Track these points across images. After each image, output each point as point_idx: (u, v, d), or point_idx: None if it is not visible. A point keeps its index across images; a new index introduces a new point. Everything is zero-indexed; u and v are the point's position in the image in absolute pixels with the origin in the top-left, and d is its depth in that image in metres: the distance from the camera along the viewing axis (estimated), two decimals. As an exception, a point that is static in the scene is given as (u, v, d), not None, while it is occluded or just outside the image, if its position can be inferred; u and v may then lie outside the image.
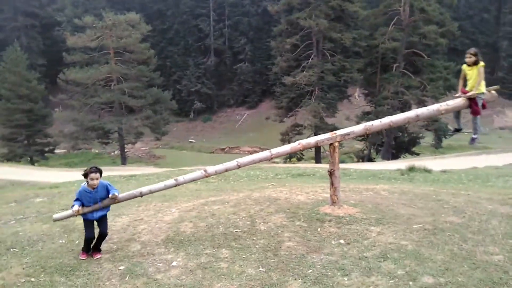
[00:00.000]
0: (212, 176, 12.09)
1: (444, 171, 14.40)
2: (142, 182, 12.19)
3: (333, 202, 6.00)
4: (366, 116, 34.24)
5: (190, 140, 56.81)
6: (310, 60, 32.35)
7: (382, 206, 6.22)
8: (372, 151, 36.44)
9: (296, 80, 31.13)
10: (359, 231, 5.22)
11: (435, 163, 20.64)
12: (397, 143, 35.37)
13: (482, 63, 5.90)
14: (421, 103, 32.93)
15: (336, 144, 5.83)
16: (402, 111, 33.71)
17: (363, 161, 34.38)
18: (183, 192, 8.76)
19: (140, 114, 34.44)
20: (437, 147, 35.37)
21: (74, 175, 17.27)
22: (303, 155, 36.16)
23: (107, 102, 33.68)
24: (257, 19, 58.37)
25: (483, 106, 6.06)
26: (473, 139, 6.46)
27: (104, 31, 33.20)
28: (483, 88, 5.96)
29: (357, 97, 47.09)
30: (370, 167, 19.97)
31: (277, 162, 36.03)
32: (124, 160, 35.76)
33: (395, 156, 34.11)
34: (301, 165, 23.13)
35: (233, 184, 10.38)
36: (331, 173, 5.86)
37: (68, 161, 39.91)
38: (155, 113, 35.35)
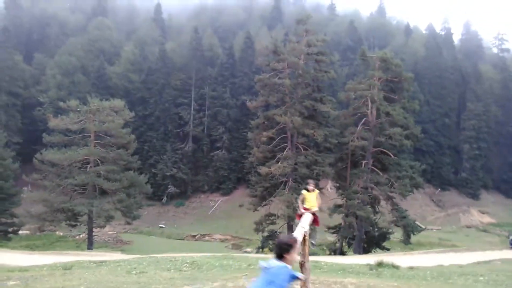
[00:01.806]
0: (185, 264, 12.26)
1: (411, 268, 14.89)
2: (113, 268, 12.12)
3: (303, 293, 6.40)
4: (337, 208, 35.17)
5: (160, 225, 55.60)
6: (284, 152, 33.96)
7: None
8: (344, 244, 36.68)
9: (271, 170, 32.31)
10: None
11: (403, 259, 21.09)
12: (368, 237, 35.91)
13: (317, 190, 8.50)
14: (389, 199, 34.39)
15: (306, 237, 6.43)
16: (372, 205, 35.19)
17: (335, 254, 34.42)
18: (157, 280, 8.90)
19: (113, 197, 34.20)
20: (406, 243, 36.01)
21: (40, 259, 16.75)
22: (275, 245, 35.96)
23: (81, 184, 33.51)
24: (236, 111, 61.57)
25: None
26: (312, 244, 8.12)
27: (87, 115, 34.28)
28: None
29: (329, 189, 48.50)
30: (341, 260, 20.21)
31: (249, 252, 35.63)
32: (90, 244, 34.55)
33: (366, 250, 34.38)
34: (273, 256, 23.09)
35: (207, 273, 10.54)
36: (301, 265, 6.36)
37: (30, 243, 38.10)
38: (129, 196, 35.19)
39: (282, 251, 4.00)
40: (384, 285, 8.23)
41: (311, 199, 8.37)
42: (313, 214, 7.89)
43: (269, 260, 3.91)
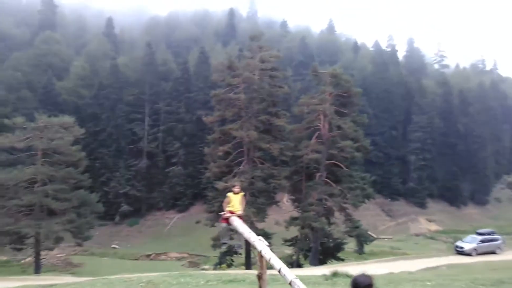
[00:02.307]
0: (141, 284, 12.04)
1: (363, 276, 15.45)
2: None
3: (260, 305, 6.58)
4: (294, 221, 35.72)
5: (113, 245, 53.62)
6: (241, 166, 34.20)
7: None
8: (300, 256, 37.21)
9: (228, 185, 32.30)
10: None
11: (357, 268, 21.79)
12: (323, 249, 36.70)
13: (242, 193, 8.78)
14: (343, 210, 35.44)
15: (262, 251, 6.63)
16: (326, 217, 36.10)
17: (292, 266, 34.77)
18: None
19: (63, 217, 32.64)
20: (360, 253, 37.15)
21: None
22: (233, 261, 35.86)
23: (28, 205, 31.76)
24: (192, 126, 61.15)
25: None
26: (238, 246, 9.77)
27: (34, 133, 32.75)
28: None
29: (285, 202, 49.16)
30: (298, 272, 20.53)
31: (207, 269, 35.18)
32: (38, 268, 32.65)
33: (322, 262, 35.06)
34: (232, 271, 23.08)
35: (164, 292, 10.43)
36: (259, 277, 6.55)
37: (-31, 270, 35.42)
38: (79, 216, 33.80)
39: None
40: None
41: (236, 201, 8.49)
42: (239, 217, 8.21)
43: None
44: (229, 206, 8.42)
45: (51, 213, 33.65)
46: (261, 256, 6.61)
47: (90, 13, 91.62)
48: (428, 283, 13.82)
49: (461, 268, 21.84)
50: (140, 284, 11.81)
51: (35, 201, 31.43)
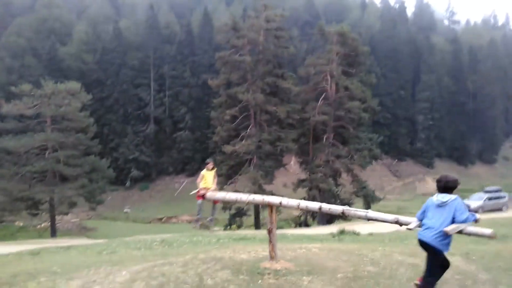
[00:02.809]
0: (155, 243, 12.47)
1: (370, 234, 15.83)
2: (83, 251, 12.14)
3: (271, 258, 6.85)
4: (301, 183, 36.19)
5: (125, 210, 54.95)
6: (248, 130, 34.29)
7: (312, 260, 7.18)
8: (308, 217, 37.96)
9: (235, 148, 32.61)
10: (294, 281, 6.08)
11: (364, 227, 22.14)
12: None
13: (215, 168, 8.87)
14: (350, 171, 35.71)
15: (273, 206, 6.83)
16: (334, 178, 36.47)
17: (300, 226, 35.60)
18: (129, 257, 9.09)
19: (75, 183, 33.41)
20: (367, 211, 37.71)
21: (2, 249, 16.33)
22: (243, 222, 36.77)
23: (40, 171, 32.46)
24: (198, 90, 60.80)
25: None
26: (210, 220, 9.48)
27: (42, 99, 32.92)
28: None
29: (293, 165, 49.59)
30: (306, 231, 21.09)
31: (216, 230, 36.13)
32: (54, 232, 33.78)
33: (329, 222, 35.75)
34: (241, 231, 23.75)
35: (178, 249, 10.82)
36: (269, 231, 6.78)
37: (-16, 236, 36.70)
38: (91, 182, 34.54)
39: (451, 187, 5.05)
40: (345, 247, 8.86)
41: (209, 178, 8.62)
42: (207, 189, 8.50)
43: (438, 195, 5.06)
44: (203, 183, 8.53)
45: (64, 179, 34.44)
46: (271, 211, 6.82)
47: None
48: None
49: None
50: (154, 243, 12.23)
51: (47, 168, 32.10)
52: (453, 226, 4.78)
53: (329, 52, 36.22)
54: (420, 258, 7.48)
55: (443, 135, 72.77)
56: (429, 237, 4.87)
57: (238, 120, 34.29)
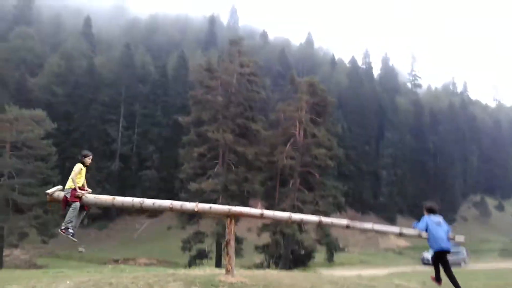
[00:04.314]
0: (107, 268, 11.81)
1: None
2: (27, 273, 11.30)
3: (227, 271, 6.62)
4: (266, 227, 35.71)
5: (80, 249, 51.95)
6: (215, 169, 34.09)
7: (269, 278, 6.99)
8: (271, 263, 37.14)
9: (201, 187, 32.16)
10: (248, 292, 5.87)
11: (326, 272, 22.11)
12: (294, 256, 36.77)
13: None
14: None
15: (232, 217, 6.71)
16: (298, 224, 36.24)
17: (261, 272, 34.66)
18: (77, 275, 8.54)
19: (29, 213, 31.60)
20: (330, 261, 37.42)
21: None
22: (203, 264, 35.48)
23: (-8, 199, 30.62)
24: (168, 130, 60.46)
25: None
26: (73, 233, 7.00)
27: (3, 124, 31.74)
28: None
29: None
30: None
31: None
32: (0, 265, 31.32)
33: (292, 268, 35.11)
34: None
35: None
36: (227, 243, 6.60)
37: None
38: (46, 213, 32.75)
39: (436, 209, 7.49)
40: (304, 274, 8.70)
41: (83, 175, 7.09)
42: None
43: (435, 217, 7.28)
44: (78, 180, 6.89)
45: (17, 209, 32.53)
46: (230, 223, 6.68)
47: (67, 11, 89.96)
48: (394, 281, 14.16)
49: (424, 275, 22.34)
50: (106, 268, 11.59)
51: (0, 195, 30.31)
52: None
53: (299, 100, 37.36)
54: (378, 282, 7.44)
55: (405, 192, 74.69)
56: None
57: (205, 158, 34.12)
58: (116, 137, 61.21)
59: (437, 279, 7.33)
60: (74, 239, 6.83)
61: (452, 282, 6.96)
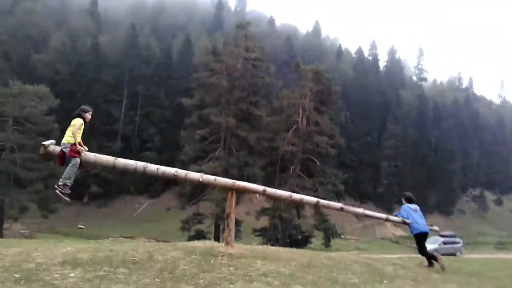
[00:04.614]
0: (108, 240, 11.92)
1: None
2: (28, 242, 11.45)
3: (227, 243, 6.69)
4: (265, 211, 35.96)
5: (79, 225, 52.47)
6: (216, 152, 34.16)
7: (268, 251, 7.07)
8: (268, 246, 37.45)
9: (201, 169, 32.18)
10: (247, 262, 5.94)
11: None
12: (291, 241, 37.05)
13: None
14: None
15: (234, 191, 6.76)
16: (297, 209, 36.48)
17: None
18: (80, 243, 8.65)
19: (29, 188, 31.82)
20: (326, 246, 37.71)
21: None
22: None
23: (-6, 172, 30.82)
24: (170, 112, 60.45)
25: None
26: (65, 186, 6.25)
27: (7, 99, 31.76)
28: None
29: (258, 197, 49.37)
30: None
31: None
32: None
33: (288, 253, 35.46)
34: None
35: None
36: (227, 216, 6.66)
37: None
38: (47, 188, 32.94)
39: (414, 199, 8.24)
40: (301, 250, 8.79)
41: (81, 131, 6.57)
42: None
43: (412, 206, 8.01)
44: (79, 136, 6.43)
45: (18, 183, 32.74)
46: (231, 196, 6.73)
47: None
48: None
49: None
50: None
51: (1, 168, 30.50)
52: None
53: (303, 87, 37.22)
54: (375, 260, 7.53)
55: (405, 183, 74.69)
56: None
57: (207, 141, 34.16)
58: (119, 118, 61.25)
59: (430, 263, 8.03)
60: (67, 198, 6.22)
61: (426, 255, 8.11)
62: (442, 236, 32.94)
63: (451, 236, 33.06)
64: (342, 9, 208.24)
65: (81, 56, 62.67)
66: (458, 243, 32.53)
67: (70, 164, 6.29)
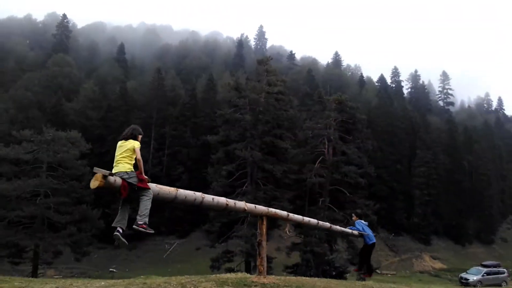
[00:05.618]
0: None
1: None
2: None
3: (260, 272, 6.52)
4: (296, 246, 35.15)
5: (111, 269, 52.54)
6: (244, 187, 34.04)
7: (302, 281, 6.82)
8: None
9: (229, 205, 32.12)
10: (282, 291, 5.74)
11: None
12: (325, 277, 35.78)
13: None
14: (345, 237, 34.86)
15: (264, 217, 6.66)
16: (329, 243, 35.48)
17: None
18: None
19: (63, 231, 32.40)
20: (362, 281, 36.17)
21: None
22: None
23: (29, 216, 31.58)
24: (196, 151, 61.27)
25: None
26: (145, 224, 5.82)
27: (41, 145, 33.06)
28: None
29: (287, 232, 48.45)
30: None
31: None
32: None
33: None
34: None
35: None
36: (259, 243, 6.52)
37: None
38: (79, 231, 33.48)
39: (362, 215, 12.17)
40: (336, 281, 8.45)
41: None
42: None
43: (363, 221, 9.48)
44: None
45: (52, 228, 33.41)
46: (261, 223, 6.62)
47: (103, 39, 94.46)
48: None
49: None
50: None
51: (36, 213, 31.29)
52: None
53: (327, 117, 37.22)
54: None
55: (440, 212, 71.97)
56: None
57: (234, 176, 34.18)
58: (148, 159, 62.44)
59: (369, 271, 9.29)
60: (151, 231, 5.60)
61: (367, 264, 9.35)
62: (485, 266, 31.23)
63: (494, 266, 31.28)
64: (360, 38, 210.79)
65: (110, 101, 65.22)
66: (503, 273, 30.69)
67: (146, 198, 5.63)
